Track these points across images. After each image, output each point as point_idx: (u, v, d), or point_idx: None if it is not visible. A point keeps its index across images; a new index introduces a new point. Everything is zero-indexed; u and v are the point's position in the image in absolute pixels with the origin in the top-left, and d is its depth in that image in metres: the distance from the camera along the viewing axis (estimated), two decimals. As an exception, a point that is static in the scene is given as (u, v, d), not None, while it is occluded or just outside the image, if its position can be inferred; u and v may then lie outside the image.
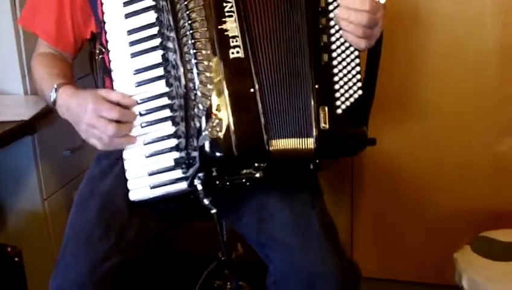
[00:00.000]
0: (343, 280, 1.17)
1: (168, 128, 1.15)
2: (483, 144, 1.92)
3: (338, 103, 1.14)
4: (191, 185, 1.12)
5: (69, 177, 1.80)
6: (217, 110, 1.08)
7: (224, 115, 1.08)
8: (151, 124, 1.16)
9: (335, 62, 1.15)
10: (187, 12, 1.09)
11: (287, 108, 1.12)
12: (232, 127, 1.08)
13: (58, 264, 1.17)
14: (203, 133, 1.08)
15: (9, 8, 1.63)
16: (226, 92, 1.08)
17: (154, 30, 1.15)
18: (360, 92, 1.16)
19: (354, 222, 2.13)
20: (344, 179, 2.09)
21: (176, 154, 1.15)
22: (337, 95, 1.14)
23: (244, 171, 1.13)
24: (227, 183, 1.14)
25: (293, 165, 1.18)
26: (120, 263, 1.16)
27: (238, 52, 1.10)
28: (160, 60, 1.15)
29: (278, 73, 1.12)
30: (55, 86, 1.21)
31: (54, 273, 1.16)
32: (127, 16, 1.16)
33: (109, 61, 1.18)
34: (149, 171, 1.16)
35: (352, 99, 1.15)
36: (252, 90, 1.10)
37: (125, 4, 1.16)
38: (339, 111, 1.14)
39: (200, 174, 1.10)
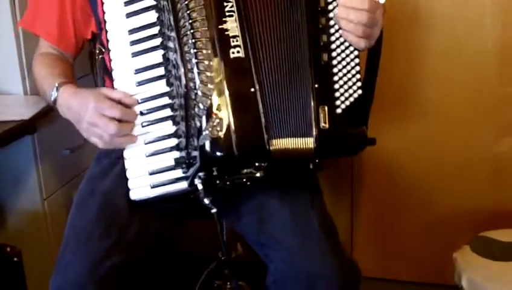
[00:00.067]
0: (343, 280, 1.17)
1: (169, 127, 1.15)
2: (483, 144, 1.92)
3: (338, 102, 1.14)
4: (192, 184, 1.12)
5: (69, 177, 1.80)
6: (217, 109, 1.08)
7: (225, 115, 1.08)
8: (152, 124, 1.16)
9: (335, 62, 1.15)
10: (188, 12, 1.09)
11: (287, 107, 1.12)
12: (232, 126, 1.08)
13: (58, 264, 1.16)
14: (204, 133, 1.08)
15: (9, 8, 1.63)
16: (226, 91, 1.08)
17: (155, 30, 1.15)
18: (359, 91, 1.16)
19: (354, 221, 2.13)
20: (344, 179, 2.09)
21: (176, 154, 1.15)
22: (337, 94, 1.14)
23: (245, 170, 1.13)
24: (228, 182, 1.14)
25: (293, 165, 1.18)
26: (120, 262, 1.16)
27: (238, 51, 1.10)
28: (160, 60, 1.15)
29: (278, 73, 1.12)
30: (56, 85, 1.22)
31: (53, 273, 1.15)
32: (128, 15, 1.17)
33: (110, 60, 1.18)
34: (149, 171, 1.16)
35: (352, 99, 1.15)
36: (252, 89, 1.10)
37: (126, 4, 1.17)
38: (339, 111, 1.14)
39: (201, 174, 1.10)
